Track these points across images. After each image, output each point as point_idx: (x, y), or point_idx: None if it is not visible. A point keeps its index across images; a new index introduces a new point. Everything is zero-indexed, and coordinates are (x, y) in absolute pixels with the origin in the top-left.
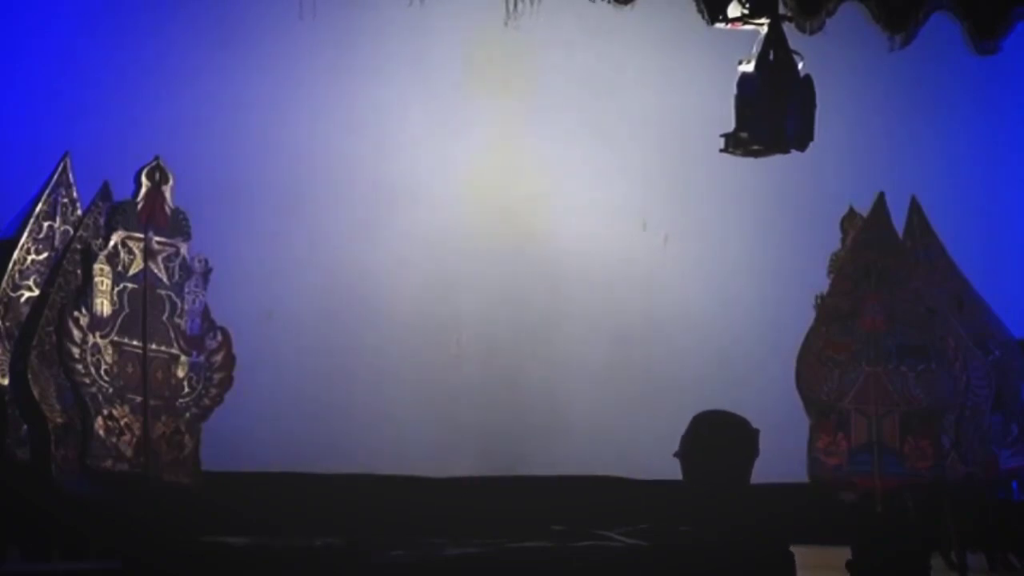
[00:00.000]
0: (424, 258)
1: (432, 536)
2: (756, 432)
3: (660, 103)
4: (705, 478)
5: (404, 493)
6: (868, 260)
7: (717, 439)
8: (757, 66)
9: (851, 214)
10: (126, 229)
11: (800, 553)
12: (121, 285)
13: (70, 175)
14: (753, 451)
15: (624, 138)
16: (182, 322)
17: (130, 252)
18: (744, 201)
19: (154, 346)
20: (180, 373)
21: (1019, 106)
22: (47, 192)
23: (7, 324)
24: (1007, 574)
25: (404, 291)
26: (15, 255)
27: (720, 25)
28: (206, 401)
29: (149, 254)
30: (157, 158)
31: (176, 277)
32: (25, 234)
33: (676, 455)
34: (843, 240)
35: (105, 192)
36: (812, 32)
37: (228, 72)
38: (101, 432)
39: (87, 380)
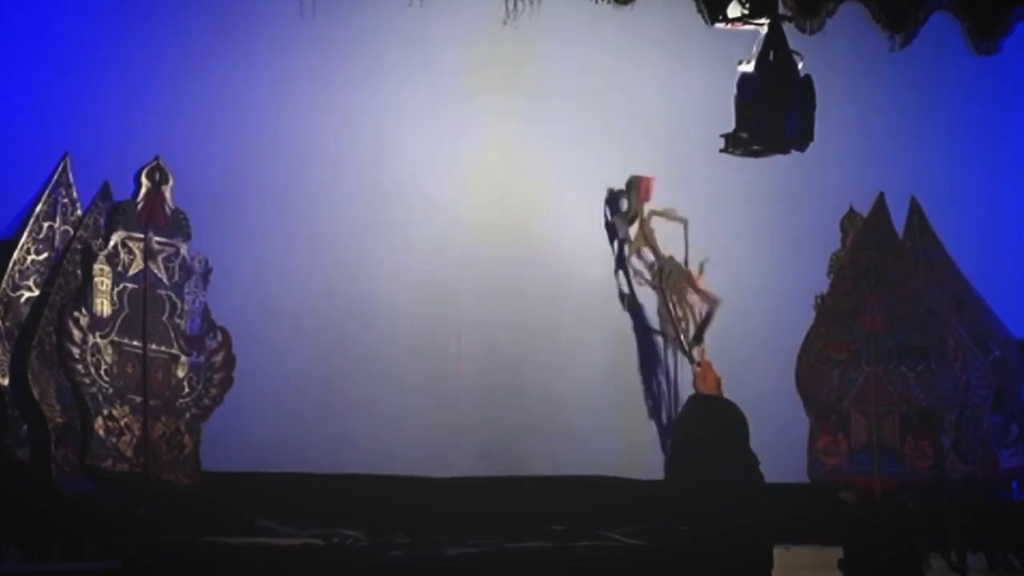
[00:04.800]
0: (424, 258)
1: (432, 536)
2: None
3: (660, 103)
4: (695, 460)
5: (404, 493)
6: (868, 260)
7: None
8: (757, 66)
9: (851, 214)
10: (126, 229)
11: (800, 553)
12: (121, 285)
13: (70, 175)
14: (743, 437)
15: (624, 138)
16: (182, 322)
17: (130, 252)
18: (744, 202)
19: (154, 346)
20: (180, 373)
21: (1019, 106)
22: (47, 192)
23: (7, 324)
24: (1007, 574)
25: (404, 291)
26: (15, 255)
27: (720, 25)
28: (206, 401)
29: (149, 254)
30: (157, 158)
31: (176, 277)
32: (25, 234)
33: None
34: (843, 240)
35: (105, 192)
36: (812, 32)
37: (228, 72)
38: (101, 432)
39: (87, 380)
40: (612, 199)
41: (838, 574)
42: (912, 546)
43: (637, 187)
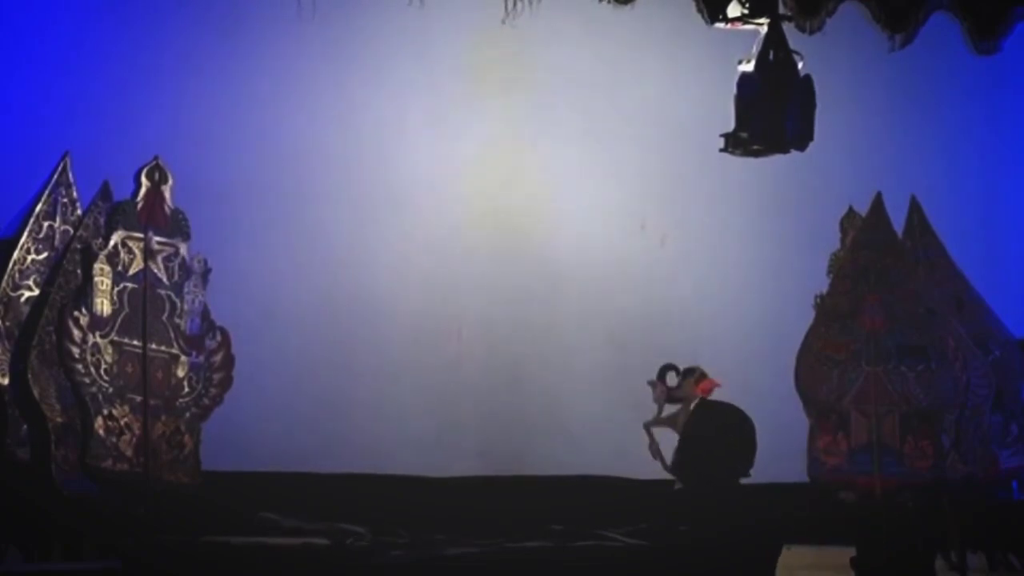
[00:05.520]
0: (424, 258)
1: (432, 536)
2: (751, 424)
3: (660, 103)
4: (703, 465)
5: (404, 493)
6: (868, 260)
7: (719, 425)
8: (757, 66)
9: (851, 214)
10: (126, 229)
11: (800, 553)
12: (121, 285)
13: (70, 175)
14: (750, 441)
15: (623, 138)
16: (182, 322)
17: (130, 252)
18: (744, 201)
19: (154, 346)
20: (180, 373)
21: (1019, 106)
22: (47, 192)
23: (7, 324)
24: (1007, 574)
25: (404, 291)
26: (15, 255)
27: (720, 25)
28: (206, 401)
29: (149, 254)
30: (157, 158)
31: (176, 277)
32: (25, 234)
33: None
34: (843, 240)
35: (105, 192)
36: (812, 32)
37: (228, 73)
38: (101, 432)
39: (87, 380)
40: (663, 371)
41: (838, 574)
42: (922, 545)
43: (698, 379)
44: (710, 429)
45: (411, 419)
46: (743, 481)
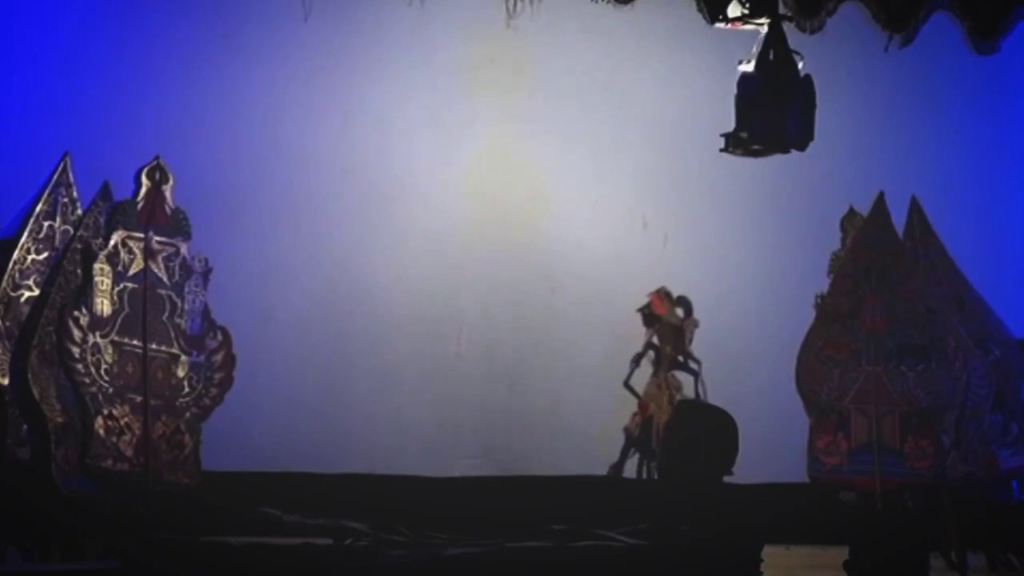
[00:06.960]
0: (424, 258)
1: (432, 536)
2: (734, 424)
3: (660, 103)
4: (684, 463)
5: (404, 493)
6: (868, 260)
7: (697, 425)
8: (757, 66)
9: (851, 214)
10: (126, 229)
11: (800, 553)
12: (121, 285)
13: (70, 175)
14: (733, 441)
15: (624, 138)
16: (182, 322)
17: (130, 252)
18: (744, 201)
19: (154, 346)
20: (180, 373)
21: (1019, 106)
22: (47, 192)
23: (7, 324)
24: (1007, 574)
25: (404, 291)
26: (15, 255)
27: (720, 25)
28: (206, 401)
29: (149, 254)
30: (157, 158)
31: (176, 277)
32: (25, 234)
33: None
34: (843, 240)
35: (105, 192)
36: (812, 32)
37: (228, 72)
38: (101, 432)
39: (87, 380)
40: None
41: (838, 574)
42: (916, 545)
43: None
44: (697, 430)
45: (411, 419)
46: (742, 482)
